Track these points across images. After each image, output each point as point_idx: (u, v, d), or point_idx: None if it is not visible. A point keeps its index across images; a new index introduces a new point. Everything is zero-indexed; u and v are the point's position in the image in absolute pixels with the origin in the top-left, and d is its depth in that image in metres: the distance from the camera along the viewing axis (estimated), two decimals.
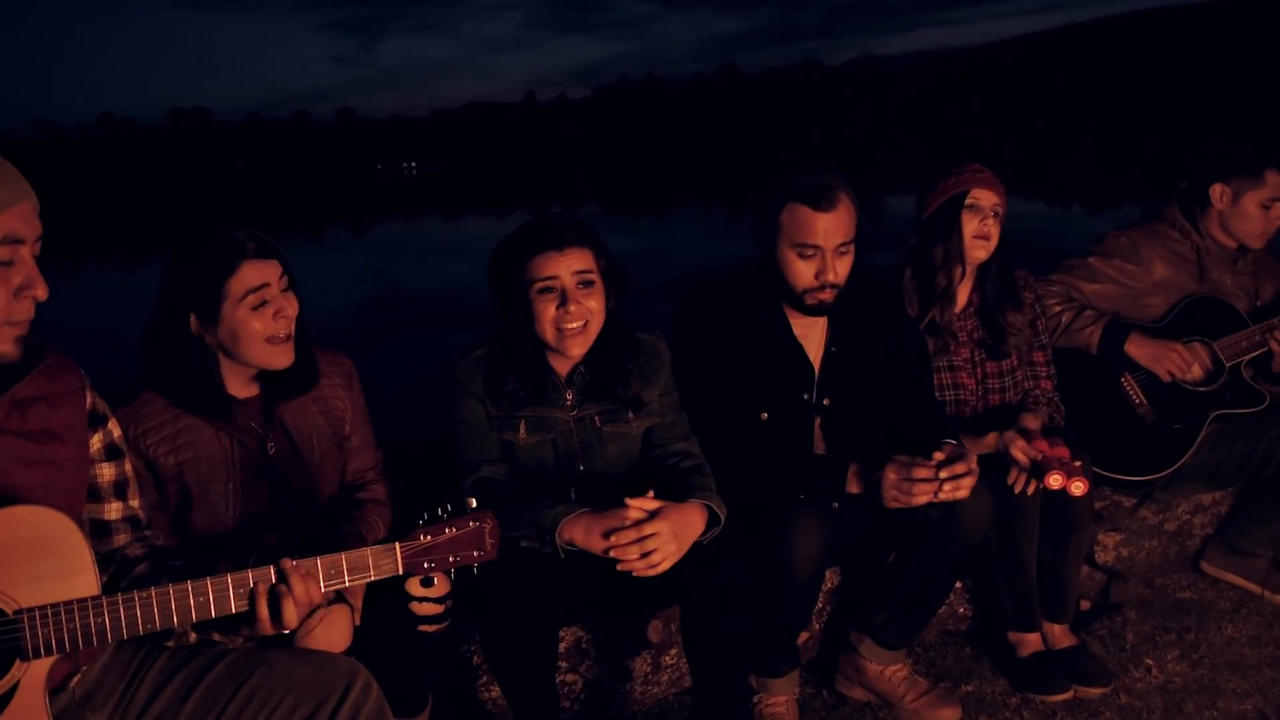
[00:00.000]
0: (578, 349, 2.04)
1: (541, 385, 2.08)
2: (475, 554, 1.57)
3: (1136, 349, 2.76)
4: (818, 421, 2.31)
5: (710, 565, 1.93)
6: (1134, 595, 2.84)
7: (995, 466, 2.32)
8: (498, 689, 2.18)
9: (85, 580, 1.40)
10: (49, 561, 1.38)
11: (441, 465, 2.13)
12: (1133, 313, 2.87)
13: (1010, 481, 2.34)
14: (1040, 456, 2.25)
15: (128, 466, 1.61)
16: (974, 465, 2.00)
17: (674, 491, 2.00)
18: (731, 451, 2.19)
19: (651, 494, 1.91)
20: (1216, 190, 2.84)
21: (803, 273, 2.15)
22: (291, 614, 1.47)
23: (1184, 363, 2.76)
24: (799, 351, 2.27)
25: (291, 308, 1.83)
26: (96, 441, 1.55)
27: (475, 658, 2.24)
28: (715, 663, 1.99)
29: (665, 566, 1.87)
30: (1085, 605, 2.80)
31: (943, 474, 1.98)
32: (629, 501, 1.88)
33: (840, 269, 2.15)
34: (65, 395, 1.50)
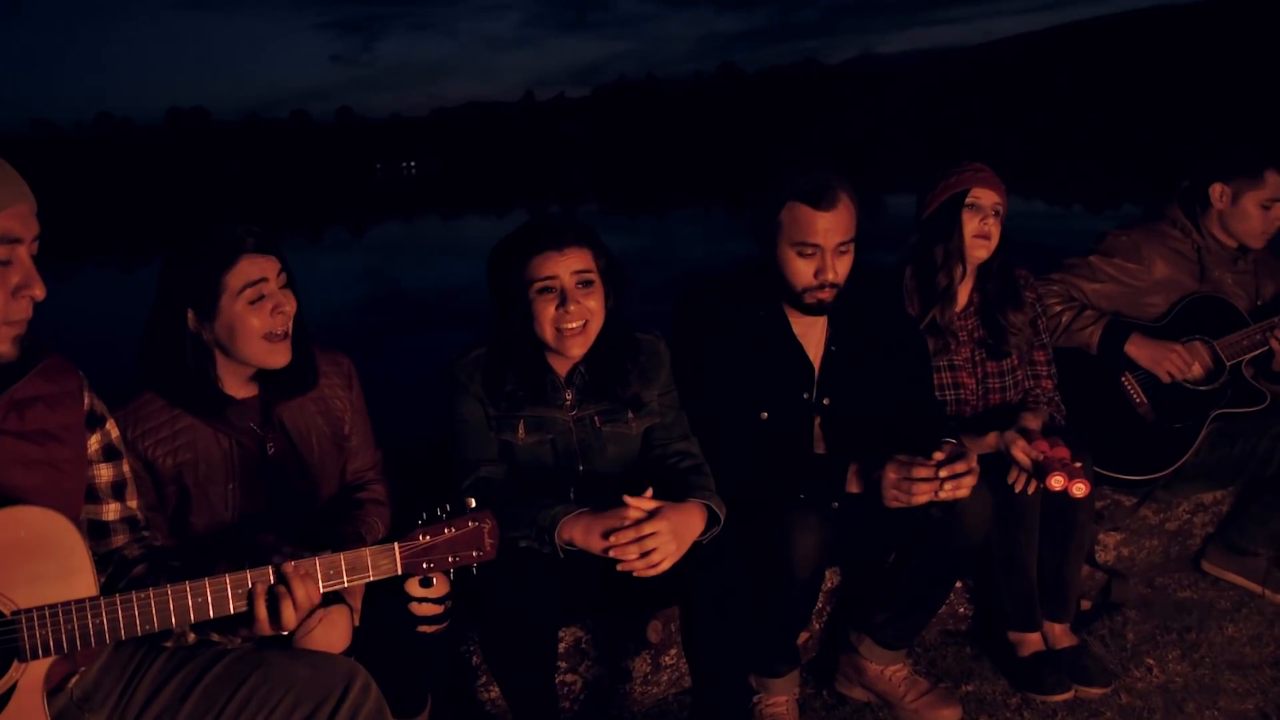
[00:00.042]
0: (577, 349, 2.04)
1: (541, 385, 2.08)
2: (474, 554, 1.57)
3: (1136, 350, 2.76)
4: (817, 421, 2.31)
5: (710, 565, 1.92)
6: (1135, 595, 2.84)
7: (995, 466, 2.32)
8: (497, 689, 2.18)
9: (83, 581, 1.40)
10: (47, 562, 1.38)
11: (441, 465, 2.13)
12: (1133, 312, 2.86)
13: (1010, 481, 2.34)
14: (1041, 457, 2.25)
15: (125, 467, 1.61)
16: (974, 464, 2.00)
17: (673, 491, 2.00)
18: (731, 451, 2.19)
19: (650, 493, 1.91)
20: (1216, 190, 2.84)
21: (802, 272, 2.15)
22: (290, 615, 1.47)
23: (1184, 363, 2.75)
24: (799, 351, 2.27)
25: (290, 305, 1.82)
26: (94, 442, 1.55)
27: (474, 658, 2.24)
28: (715, 663, 1.98)
29: (665, 566, 1.86)
30: (1086, 605, 2.79)
31: (943, 473, 1.98)
32: (628, 500, 1.88)
33: (840, 268, 2.15)
34: (63, 396, 1.49)
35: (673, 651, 2.38)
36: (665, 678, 2.41)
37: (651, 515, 1.88)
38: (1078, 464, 2.23)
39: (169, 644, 1.56)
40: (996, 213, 2.49)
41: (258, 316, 1.78)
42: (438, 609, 1.78)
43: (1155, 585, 2.93)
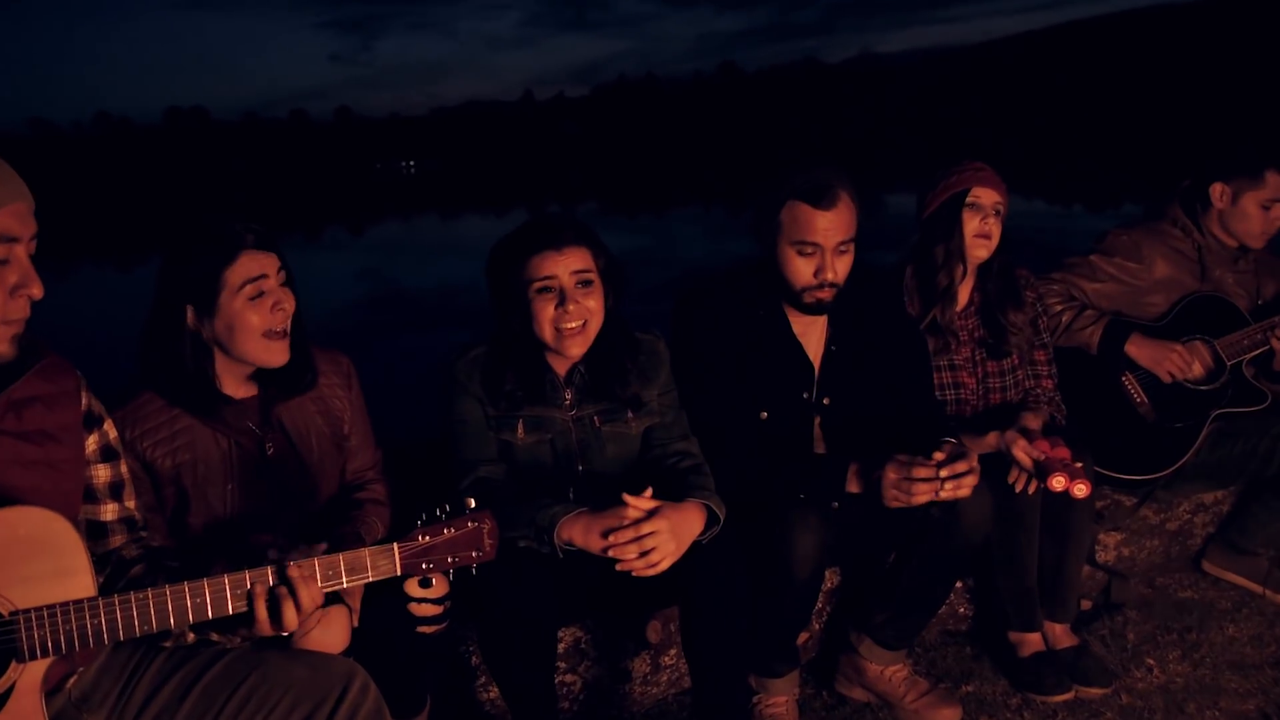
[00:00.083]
0: (576, 349, 2.03)
1: (540, 385, 2.08)
2: (474, 555, 1.56)
3: (1137, 350, 2.76)
4: (817, 421, 2.30)
5: (709, 565, 1.92)
6: (1135, 595, 2.83)
7: (996, 466, 2.31)
8: (496, 690, 2.17)
9: (82, 582, 1.39)
10: (45, 563, 1.37)
11: (441, 465, 2.12)
12: (1134, 311, 2.86)
13: (1011, 481, 2.34)
14: (1043, 457, 2.24)
15: (123, 468, 1.60)
16: (975, 464, 2.00)
17: (673, 491, 1.99)
18: (731, 451, 2.18)
19: (650, 493, 1.90)
20: (1216, 190, 2.84)
21: (802, 271, 2.15)
22: (291, 616, 1.46)
23: (1184, 363, 2.75)
24: (799, 350, 2.27)
25: (289, 302, 1.82)
26: (92, 443, 1.55)
27: (473, 658, 2.23)
28: (715, 663, 1.98)
29: (664, 566, 1.86)
30: (1086, 605, 2.79)
31: (944, 473, 1.97)
32: (627, 500, 1.88)
33: (840, 268, 2.15)
34: (61, 396, 1.49)
35: (672, 652, 2.37)
36: (665, 678, 2.41)
37: (651, 515, 1.87)
38: (1078, 464, 2.23)
39: (168, 644, 1.55)
40: (997, 212, 2.48)
41: (257, 313, 1.77)
42: (437, 609, 1.77)
43: (1156, 585, 2.92)
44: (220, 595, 1.44)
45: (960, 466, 1.98)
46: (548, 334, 2.01)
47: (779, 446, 2.23)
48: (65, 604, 1.37)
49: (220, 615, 1.45)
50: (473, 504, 1.58)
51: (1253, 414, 2.79)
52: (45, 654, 1.36)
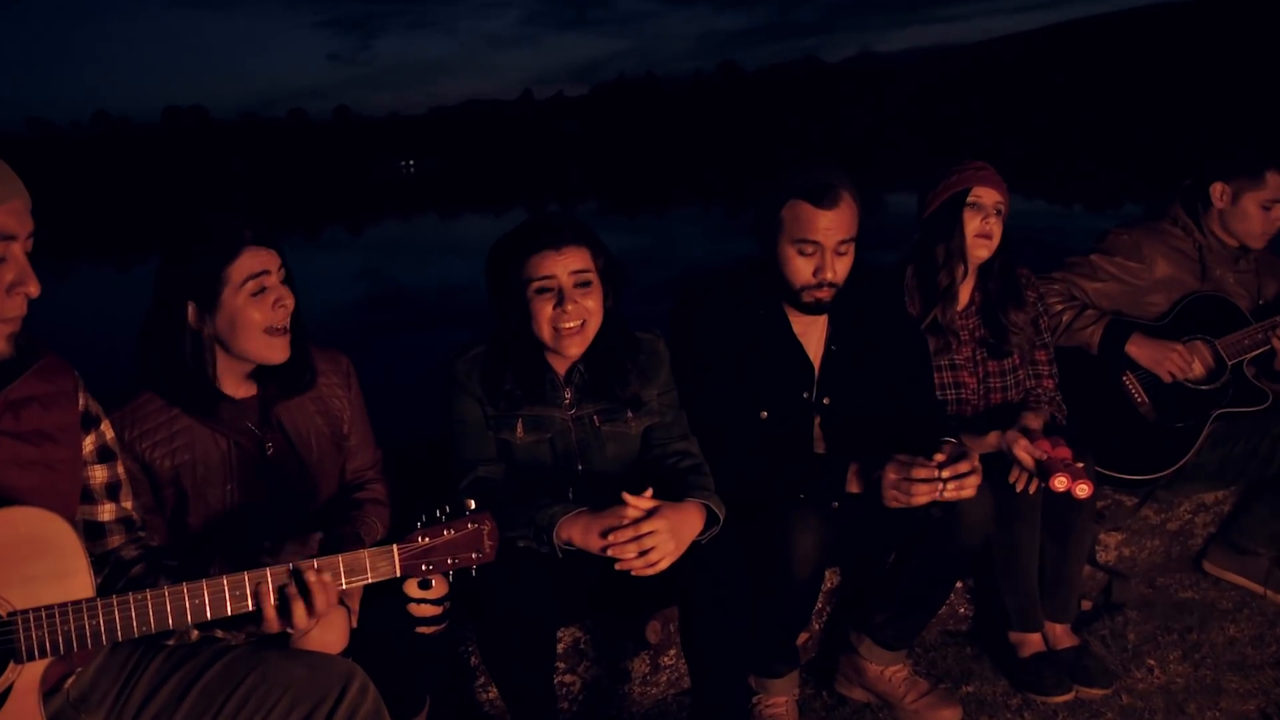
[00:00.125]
0: (575, 349, 2.03)
1: (539, 384, 2.07)
2: (473, 556, 1.56)
3: (1137, 350, 2.75)
4: (817, 421, 2.30)
5: (709, 565, 1.92)
6: (1136, 595, 2.83)
7: (996, 466, 2.31)
8: (495, 690, 2.17)
9: (80, 582, 1.39)
10: (44, 563, 1.37)
11: (441, 465, 2.12)
12: (1135, 311, 2.86)
13: (1012, 480, 2.33)
14: (1045, 457, 2.24)
15: (120, 469, 1.60)
16: (977, 463, 1.99)
17: (672, 491, 1.99)
18: (731, 451, 2.18)
19: (650, 493, 1.90)
20: (1217, 189, 2.83)
21: (801, 270, 2.14)
22: (301, 614, 1.47)
23: (1185, 363, 2.75)
24: (798, 350, 2.26)
25: (290, 299, 1.82)
26: (89, 443, 1.54)
27: (472, 658, 2.23)
28: (714, 663, 1.98)
29: (663, 566, 1.86)
30: (1087, 605, 2.79)
31: (946, 473, 1.97)
32: (626, 499, 1.87)
33: (839, 268, 2.14)
34: (59, 396, 1.49)
35: (672, 652, 2.37)
36: (664, 678, 2.40)
37: (650, 514, 1.87)
38: (1080, 464, 2.23)
39: (171, 642, 1.55)
40: (998, 212, 2.48)
41: (259, 310, 1.77)
42: (436, 610, 1.77)
43: (1156, 585, 2.92)
44: (219, 597, 1.44)
45: (962, 467, 1.97)
46: (546, 333, 2.00)
47: (779, 446, 2.22)
48: (64, 605, 1.36)
49: (219, 617, 1.45)
50: (472, 505, 1.58)
51: (1253, 414, 2.79)
52: (43, 655, 1.36)
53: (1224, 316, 2.84)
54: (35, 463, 1.43)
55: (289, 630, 1.50)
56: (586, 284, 2.00)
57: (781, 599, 2.08)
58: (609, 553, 1.85)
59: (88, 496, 1.55)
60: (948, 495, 1.97)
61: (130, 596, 1.39)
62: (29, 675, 1.37)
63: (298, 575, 1.47)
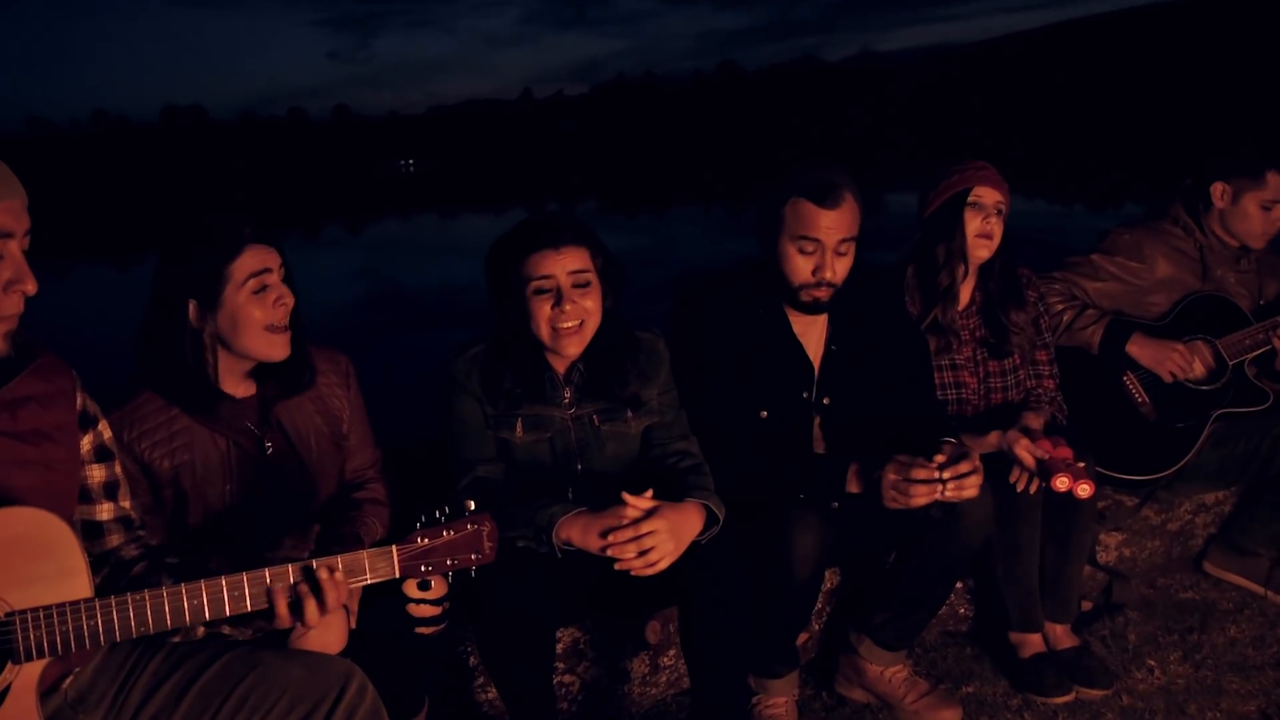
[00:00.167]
0: (573, 348, 2.03)
1: (539, 383, 2.07)
2: (473, 557, 1.56)
3: (1138, 350, 2.75)
4: (817, 421, 2.29)
5: (709, 565, 1.91)
6: (1136, 596, 2.83)
7: (997, 466, 2.30)
8: (494, 690, 2.16)
9: (78, 582, 1.39)
10: (41, 563, 1.37)
11: (440, 465, 2.12)
12: (1135, 310, 2.85)
13: (1013, 480, 2.33)
14: (1046, 457, 2.24)
15: (118, 468, 1.60)
16: (978, 463, 1.99)
17: (672, 491, 1.99)
18: (731, 451, 2.18)
19: (650, 493, 1.90)
20: (1217, 189, 2.83)
21: (801, 268, 2.14)
22: (314, 611, 1.47)
23: (1185, 363, 2.74)
24: (798, 350, 2.26)
25: (290, 297, 1.82)
26: (87, 443, 1.54)
27: (471, 659, 2.23)
28: (714, 664, 1.97)
29: (663, 566, 1.85)
30: (1087, 606, 2.78)
31: (946, 474, 1.96)
32: (626, 499, 1.87)
33: (839, 268, 2.14)
34: (56, 395, 1.48)
35: (671, 652, 2.37)
36: (664, 679, 2.40)
37: (649, 514, 1.87)
38: (1081, 464, 2.22)
39: (177, 638, 1.55)
40: (999, 211, 2.47)
41: (260, 307, 1.78)
42: (436, 610, 1.77)
43: (1157, 586, 2.92)
44: (217, 598, 1.44)
45: (963, 467, 1.97)
46: (544, 333, 2.00)
47: (779, 446, 2.22)
48: (61, 605, 1.36)
49: (218, 617, 1.44)
50: (472, 506, 1.57)
51: (1254, 414, 2.78)
52: (41, 655, 1.35)
53: (1225, 316, 2.83)
54: (33, 462, 1.43)
55: (299, 626, 1.50)
56: (585, 284, 2.00)
57: (781, 599, 2.08)
58: (608, 553, 1.84)
59: (86, 496, 1.55)
60: (948, 496, 1.97)
61: (129, 597, 1.39)
62: (27, 675, 1.36)
63: (309, 573, 1.48)
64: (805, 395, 2.27)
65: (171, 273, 1.78)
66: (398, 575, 1.53)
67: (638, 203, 37.12)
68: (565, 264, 1.98)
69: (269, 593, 1.46)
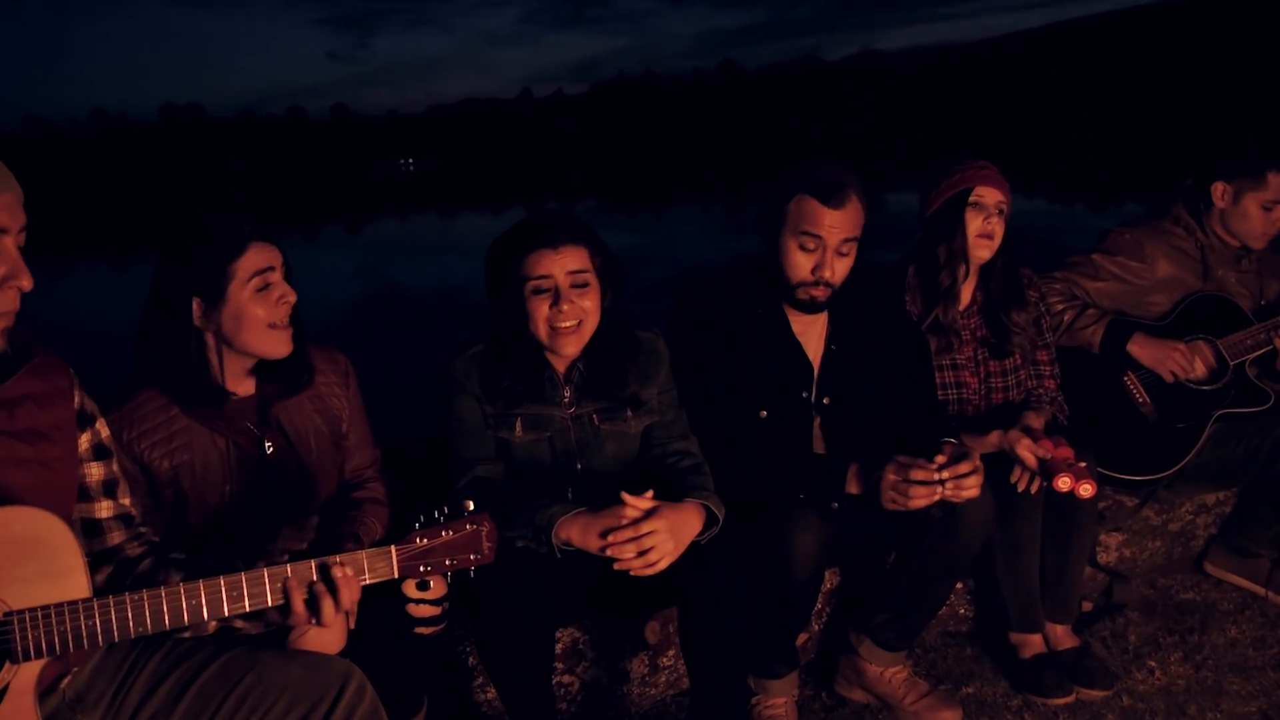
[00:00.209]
0: (571, 348, 2.02)
1: (539, 382, 2.07)
2: (472, 557, 1.55)
3: (1139, 349, 2.75)
4: (817, 421, 2.29)
5: (708, 565, 1.91)
6: (1137, 596, 2.82)
7: (997, 466, 2.30)
8: (493, 690, 2.16)
9: (77, 582, 1.38)
10: (40, 563, 1.36)
11: (440, 465, 2.11)
12: (1136, 310, 2.85)
13: (1014, 480, 2.32)
14: (1048, 456, 2.23)
15: (116, 465, 1.60)
16: (978, 463, 1.98)
17: (672, 491, 1.99)
18: (730, 450, 2.17)
19: (650, 494, 1.89)
20: (1218, 189, 2.82)
21: (800, 265, 2.14)
22: (330, 610, 1.47)
23: (1186, 363, 2.74)
24: (797, 349, 2.26)
25: (292, 295, 1.83)
26: (85, 441, 1.54)
27: (471, 659, 2.22)
28: (713, 664, 1.97)
29: (663, 566, 1.85)
30: (1087, 606, 2.78)
31: (946, 475, 1.96)
32: (625, 499, 1.87)
33: (839, 268, 2.14)
34: (53, 394, 1.48)
35: (671, 653, 2.36)
36: (663, 679, 2.39)
37: (649, 514, 1.86)
38: (1083, 464, 2.22)
39: (188, 634, 1.55)
40: (1000, 211, 2.47)
41: (264, 305, 1.79)
42: (435, 610, 1.76)
43: (1157, 587, 2.91)
44: (215, 598, 1.43)
45: (963, 468, 1.96)
46: (543, 332, 2.00)
47: (779, 446, 2.21)
48: (60, 605, 1.35)
49: (216, 617, 1.44)
50: (471, 506, 1.57)
51: (1255, 414, 2.78)
52: (39, 655, 1.35)
53: (1226, 316, 2.83)
54: (31, 461, 1.42)
55: (313, 622, 1.50)
56: (584, 284, 2.00)
57: (781, 599, 2.08)
58: (608, 553, 1.84)
59: (84, 494, 1.54)
60: (949, 496, 1.97)
61: (127, 596, 1.38)
62: (25, 676, 1.36)
63: (324, 571, 1.48)
64: (805, 395, 2.26)
65: (174, 271, 1.78)
66: (396, 575, 1.53)
67: (637, 202, 37.13)
68: (563, 263, 1.97)
69: (285, 590, 1.47)
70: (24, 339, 1.45)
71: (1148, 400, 2.78)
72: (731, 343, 2.22)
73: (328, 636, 1.66)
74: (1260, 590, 2.83)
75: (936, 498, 1.97)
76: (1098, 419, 2.75)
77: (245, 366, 1.87)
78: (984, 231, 2.46)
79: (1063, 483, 2.16)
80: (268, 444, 1.88)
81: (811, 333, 2.28)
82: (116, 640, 1.39)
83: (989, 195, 2.45)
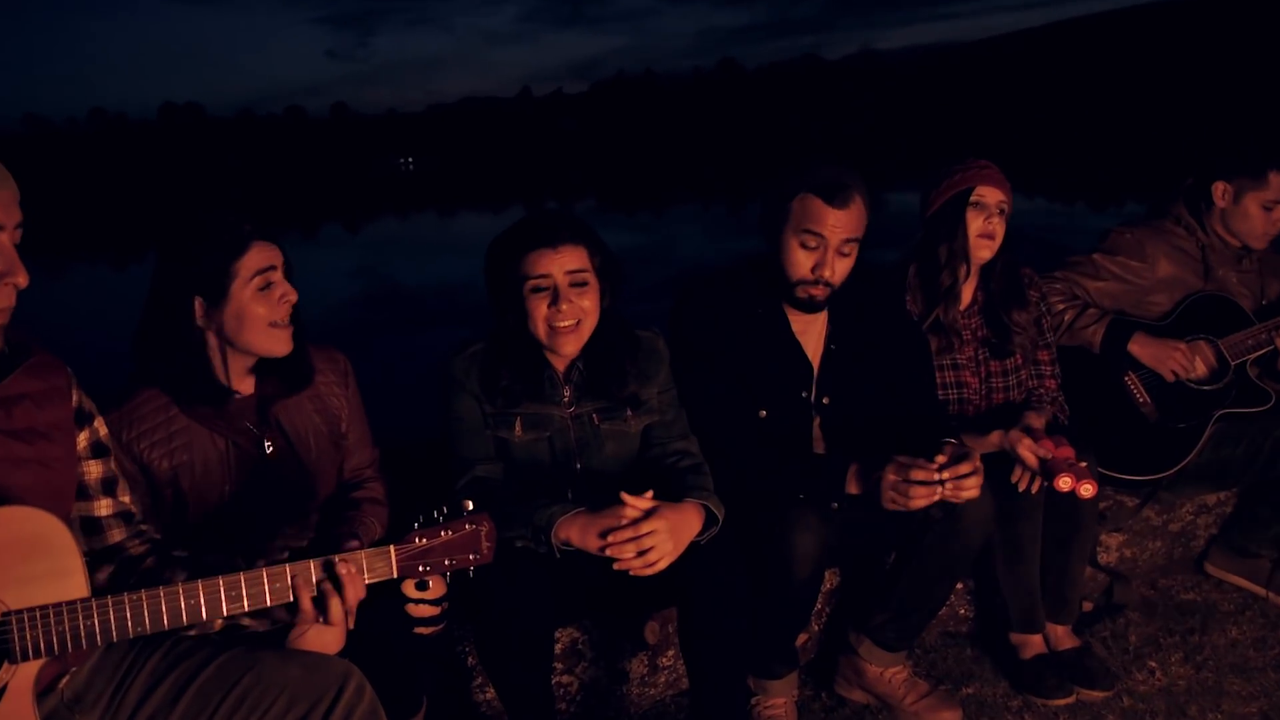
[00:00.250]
0: (570, 347, 2.02)
1: (538, 382, 2.06)
2: (471, 557, 1.55)
3: (1140, 349, 2.74)
4: (817, 421, 2.29)
5: (708, 565, 1.91)
6: (1137, 597, 2.82)
7: (998, 466, 2.30)
8: (493, 691, 2.15)
9: (75, 582, 1.38)
10: (38, 563, 1.36)
11: (440, 465, 2.11)
12: (1137, 310, 2.85)
13: (1015, 480, 2.32)
14: (1049, 456, 2.23)
15: (114, 464, 1.60)
16: (979, 464, 1.98)
17: (671, 491, 1.99)
18: (730, 450, 2.17)
19: (650, 494, 1.89)
20: (1219, 188, 2.82)
21: (801, 263, 2.14)
22: (338, 609, 1.47)
23: (1187, 363, 2.74)
24: (797, 349, 2.25)
25: (293, 294, 1.84)
26: (83, 439, 1.54)
27: (470, 659, 2.22)
28: (713, 664, 1.97)
29: (662, 566, 1.85)
30: (1088, 607, 2.78)
31: (945, 475, 1.95)
32: (625, 499, 1.86)
33: (838, 268, 2.14)
34: (51, 393, 1.48)
35: (670, 653, 2.36)
36: (663, 679, 2.39)
37: (649, 514, 1.86)
38: (1083, 464, 2.22)
39: (193, 631, 1.55)
40: (1001, 211, 2.46)
41: (265, 304, 1.79)
42: (434, 610, 1.76)
43: (1158, 587, 2.91)
44: (214, 598, 1.43)
45: (963, 468, 1.96)
46: (541, 331, 2.00)
47: (778, 446, 2.21)
48: (58, 605, 1.35)
49: (215, 617, 1.44)
50: (470, 506, 1.57)
51: (1256, 415, 2.77)
52: (37, 655, 1.35)
53: (1227, 316, 2.82)
54: (29, 460, 1.42)
55: (320, 621, 1.50)
56: (583, 283, 2.00)
57: (781, 599, 2.07)
58: (607, 553, 1.84)
59: (83, 492, 1.54)
60: (949, 496, 1.96)
61: (126, 597, 1.38)
62: (23, 676, 1.36)
63: (329, 569, 1.48)
64: (804, 395, 2.26)
65: (176, 271, 1.78)
66: (395, 575, 1.53)
67: (637, 201, 37.13)
68: (562, 263, 1.97)
69: (294, 588, 1.47)
70: (21, 338, 1.45)
71: (1148, 400, 2.78)
72: (731, 342, 2.22)
73: (327, 636, 1.66)
74: (1261, 591, 2.82)
75: (936, 498, 1.97)
76: (1098, 419, 2.75)
77: (246, 365, 1.88)
78: (985, 231, 2.45)
79: (1064, 482, 2.16)
80: (267, 444, 1.88)
81: (811, 332, 2.27)
82: (115, 640, 1.39)
83: (990, 195, 2.45)
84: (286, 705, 1.47)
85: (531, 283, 1.98)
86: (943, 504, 2.00)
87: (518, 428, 2.06)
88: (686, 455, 2.12)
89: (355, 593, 1.49)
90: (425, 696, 2.01)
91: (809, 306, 2.18)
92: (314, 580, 1.48)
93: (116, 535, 1.57)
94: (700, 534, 1.92)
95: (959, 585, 2.64)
